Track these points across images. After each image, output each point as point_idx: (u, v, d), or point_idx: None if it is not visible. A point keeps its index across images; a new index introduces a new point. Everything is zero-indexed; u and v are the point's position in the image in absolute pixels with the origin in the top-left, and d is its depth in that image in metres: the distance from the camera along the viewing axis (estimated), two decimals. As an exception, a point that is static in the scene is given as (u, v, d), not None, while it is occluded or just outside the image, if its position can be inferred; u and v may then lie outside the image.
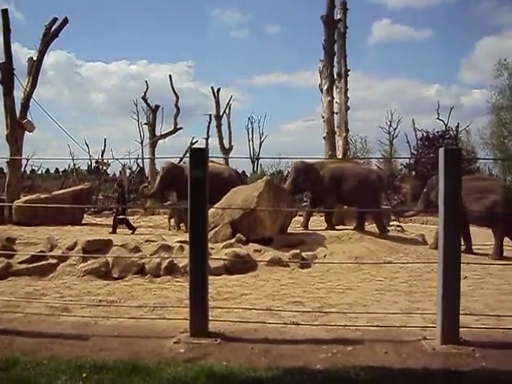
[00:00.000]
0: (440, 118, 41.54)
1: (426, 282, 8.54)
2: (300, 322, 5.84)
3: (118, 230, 14.51)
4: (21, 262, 9.42)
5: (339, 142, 17.44)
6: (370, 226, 14.42)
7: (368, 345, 4.62)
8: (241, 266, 9.74)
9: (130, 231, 14.42)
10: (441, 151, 4.74)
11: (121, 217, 15.03)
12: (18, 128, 17.63)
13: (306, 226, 14.53)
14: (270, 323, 5.71)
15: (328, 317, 6.21)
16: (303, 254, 10.65)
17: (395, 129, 46.79)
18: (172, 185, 15.92)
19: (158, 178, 16.50)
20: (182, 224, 15.40)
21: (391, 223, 16.99)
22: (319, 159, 15.17)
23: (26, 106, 18.17)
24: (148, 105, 32.12)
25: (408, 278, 9.10)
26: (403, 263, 10.22)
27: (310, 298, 7.55)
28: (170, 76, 33.09)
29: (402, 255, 11.64)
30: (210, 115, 39.10)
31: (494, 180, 14.25)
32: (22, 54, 51.84)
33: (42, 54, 18.79)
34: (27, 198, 16.89)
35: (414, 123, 42.72)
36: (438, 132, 37.80)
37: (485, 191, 12.42)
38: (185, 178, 15.27)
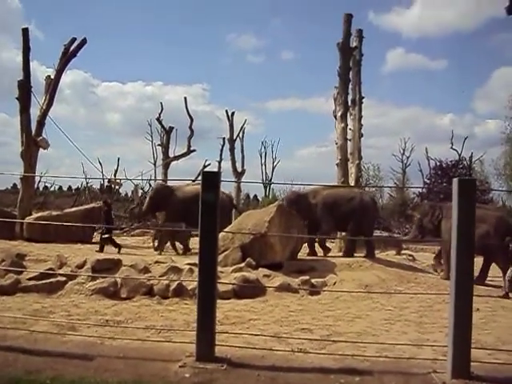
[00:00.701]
0: (454, 147, 41.36)
1: (436, 312, 8.42)
2: (308, 350, 5.75)
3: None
4: (30, 279, 9.43)
5: (352, 169, 17.43)
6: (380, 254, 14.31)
7: (377, 376, 4.53)
8: (250, 290, 9.66)
9: (116, 249, 14.40)
10: (455, 181, 4.69)
11: (106, 236, 14.99)
12: (32, 145, 17.81)
13: (313, 253, 14.48)
14: (277, 350, 5.62)
15: (336, 345, 6.12)
16: (313, 280, 10.56)
17: (408, 157, 46.60)
18: (161, 205, 15.88)
19: (147, 198, 16.46)
20: (167, 244, 15.19)
21: (403, 252, 16.84)
22: (313, 186, 15.16)
23: (41, 123, 18.39)
24: (162, 126, 32.34)
25: (418, 308, 8.97)
26: (414, 293, 10.09)
27: (318, 325, 7.46)
28: (185, 98, 33.36)
29: (412, 285, 11.49)
30: (224, 138, 39.25)
31: (487, 209, 14.50)
32: (40, 71, 52.35)
33: (59, 72, 19.07)
34: (39, 214, 16.93)
35: (427, 152, 42.57)
36: (451, 161, 37.63)
37: (478, 220, 12.31)
38: (174, 198, 15.29)
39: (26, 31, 18.49)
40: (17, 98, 18.06)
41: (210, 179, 5.02)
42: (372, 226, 15.25)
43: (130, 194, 38.09)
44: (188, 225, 14.50)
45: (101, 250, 14.23)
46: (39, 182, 37.65)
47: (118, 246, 14.64)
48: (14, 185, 43.06)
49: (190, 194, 15.49)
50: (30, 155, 17.82)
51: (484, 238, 12.02)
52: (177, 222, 14.88)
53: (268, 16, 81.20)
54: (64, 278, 9.50)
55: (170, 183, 16.95)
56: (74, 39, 18.98)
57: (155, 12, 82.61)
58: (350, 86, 17.90)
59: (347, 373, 4.60)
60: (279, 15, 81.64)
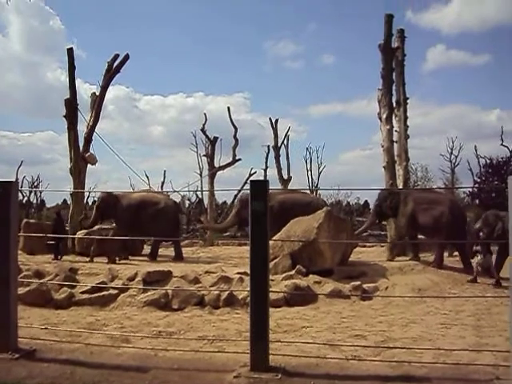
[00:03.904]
0: (504, 143, 40.23)
1: (495, 316, 8.18)
2: (362, 357, 5.66)
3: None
4: (83, 292, 9.61)
5: (399, 171, 17.13)
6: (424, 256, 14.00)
7: (435, 383, 4.40)
8: (301, 298, 9.60)
9: (53, 257, 14.59)
10: (510, 179, 4.52)
11: (51, 242, 15.11)
12: (81, 161, 18.20)
13: None
14: (331, 358, 5.54)
15: (391, 351, 6.00)
16: (364, 285, 10.42)
17: (457, 156, 45.56)
18: (108, 213, 15.86)
19: (94, 208, 16.48)
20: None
21: (455, 253, 16.46)
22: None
23: (88, 139, 18.80)
24: (207, 136, 32.50)
25: (475, 311, 8.73)
26: (469, 297, 9.83)
27: (372, 331, 7.34)
28: (229, 108, 33.44)
29: (467, 287, 11.23)
30: (268, 146, 39.23)
31: (442, 193, 14.84)
32: (83, 89, 53.68)
33: (104, 89, 19.47)
34: (95, 228, 17.25)
35: (476, 150, 41.52)
36: (502, 158, 36.64)
37: (433, 203, 13.43)
38: (119, 206, 15.27)
39: (71, 51, 18.98)
40: (64, 116, 18.51)
41: (259, 188, 4.98)
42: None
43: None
44: (135, 231, 14.42)
45: (56, 258, 14.54)
46: (88, 197, 38.46)
47: (59, 255, 14.80)
48: (64, 200, 44.14)
49: (135, 201, 15.62)
50: (78, 171, 18.22)
51: (438, 219, 13.10)
52: (125, 230, 14.83)
53: (304, 21, 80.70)
54: (116, 291, 9.65)
55: (115, 192, 16.79)
56: (116, 56, 19.35)
57: (191, 23, 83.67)
58: (394, 87, 17.64)
59: (404, 380, 4.49)
60: (315, 19, 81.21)
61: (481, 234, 12.19)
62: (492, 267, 11.83)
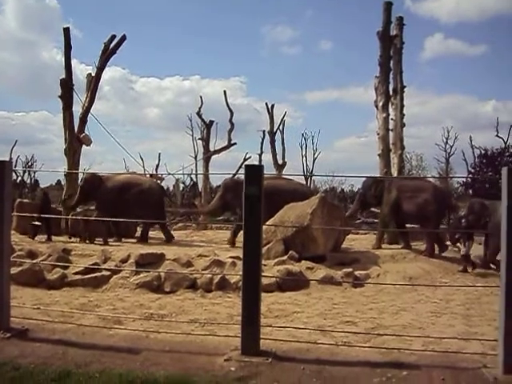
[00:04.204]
0: (499, 135, 40.29)
1: (484, 305, 8.25)
2: (353, 343, 5.71)
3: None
4: (75, 273, 9.64)
5: (394, 160, 17.14)
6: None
7: (424, 370, 4.44)
8: (293, 283, 9.65)
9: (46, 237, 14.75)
10: (504, 170, 4.53)
11: (36, 223, 15.09)
12: (76, 142, 18.14)
13: (232, 243, 14.72)
14: (322, 343, 5.59)
15: (381, 338, 6.05)
16: (356, 272, 10.48)
17: (452, 146, 45.61)
18: (91, 195, 15.75)
19: (78, 189, 16.42)
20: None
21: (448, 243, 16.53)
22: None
23: (83, 120, 18.74)
24: (203, 120, 32.36)
25: (465, 300, 8.80)
26: (460, 286, 9.90)
27: (362, 318, 7.40)
28: (225, 92, 33.30)
29: (458, 276, 11.30)
30: (264, 131, 39.15)
31: (426, 180, 15.04)
32: (79, 69, 53.48)
33: (100, 70, 19.38)
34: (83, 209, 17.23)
35: (471, 140, 41.58)
36: (497, 149, 36.73)
37: (417, 190, 13.52)
38: (103, 188, 15.27)
39: (67, 30, 18.84)
40: (59, 96, 18.42)
41: (253, 172, 4.98)
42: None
43: (171, 189, 38.42)
44: (118, 214, 14.33)
45: (33, 238, 14.67)
46: (82, 178, 38.35)
47: (34, 235, 14.91)
48: (59, 181, 44.02)
49: (118, 183, 15.58)
50: (73, 152, 18.17)
51: (423, 206, 13.20)
52: (108, 212, 14.71)
53: (302, 6, 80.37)
54: (109, 273, 9.68)
55: (100, 173, 16.75)
56: (113, 36, 19.23)
57: (189, 6, 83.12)
58: (391, 75, 17.60)
59: (394, 367, 4.53)
60: (313, 5, 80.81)
61: (463, 221, 12.41)
62: (472, 255, 12.19)
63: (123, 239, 15.03)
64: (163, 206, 16.08)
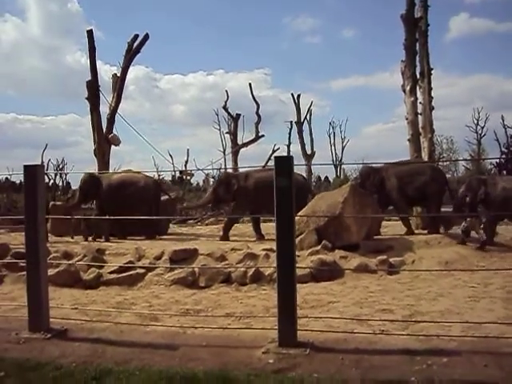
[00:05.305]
0: (532, 113, 39.38)
1: (525, 288, 8.09)
2: (390, 331, 5.65)
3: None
4: (111, 272, 9.73)
5: (424, 144, 16.89)
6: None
7: (465, 356, 4.38)
8: (327, 273, 9.60)
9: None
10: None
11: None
12: (105, 142, 18.33)
13: (225, 238, 14.39)
14: (359, 332, 5.54)
15: (419, 325, 5.97)
16: (391, 259, 10.37)
17: (483, 127, 44.82)
18: (90, 194, 15.78)
19: (78, 189, 16.41)
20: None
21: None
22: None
23: (111, 120, 18.93)
24: (229, 114, 32.46)
25: (504, 284, 8.58)
26: (498, 270, 9.72)
27: (399, 305, 7.31)
28: (250, 84, 33.40)
29: (495, 259, 11.10)
30: (291, 122, 39.03)
31: (423, 162, 15.28)
32: (103, 70, 54.02)
33: (125, 69, 19.56)
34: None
35: (503, 120, 40.78)
36: (530, 127, 35.95)
37: (415, 174, 13.80)
38: (100, 187, 15.29)
39: (90, 33, 19.03)
40: (87, 98, 18.62)
41: (283, 164, 4.95)
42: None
43: (201, 184, 38.65)
44: (117, 211, 14.22)
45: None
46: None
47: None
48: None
49: (114, 181, 15.58)
50: (102, 152, 18.38)
51: (422, 188, 13.52)
52: (107, 210, 14.87)
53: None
54: (143, 270, 9.74)
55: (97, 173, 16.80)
56: (136, 36, 19.37)
57: (210, 3, 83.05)
58: (417, 59, 17.32)
59: (434, 354, 4.48)
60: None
61: (467, 198, 12.40)
62: (478, 230, 12.16)
63: (157, 236, 15.13)
64: (159, 203, 16.08)
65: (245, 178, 14.73)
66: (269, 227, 15.28)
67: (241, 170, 16.32)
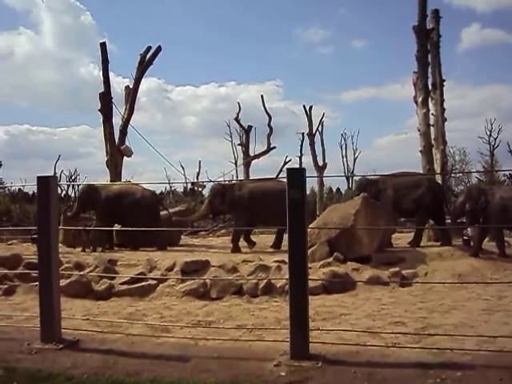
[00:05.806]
0: (545, 124, 39.13)
1: (540, 301, 7.99)
2: (403, 344, 5.60)
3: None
4: (122, 283, 9.74)
5: (437, 155, 16.82)
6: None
7: (479, 370, 4.32)
8: (339, 285, 9.56)
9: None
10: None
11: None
12: (117, 154, 18.43)
13: (236, 250, 14.05)
14: (371, 345, 5.49)
15: (432, 338, 5.91)
16: (403, 272, 10.31)
17: (496, 138, 44.50)
18: (89, 205, 15.74)
19: (77, 199, 16.40)
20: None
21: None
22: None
23: (123, 132, 19.05)
24: (241, 126, 32.50)
25: (518, 297, 8.54)
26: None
27: (412, 318, 7.25)
28: (262, 96, 33.42)
29: (509, 272, 10.98)
30: (303, 133, 39.06)
31: (420, 175, 15.24)
32: (116, 82, 54.35)
33: (137, 81, 19.69)
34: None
35: (516, 131, 40.51)
36: (544, 139, 35.69)
37: (413, 186, 13.85)
38: (99, 198, 15.26)
39: (104, 45, 19.22)
40: (99, 110, 18.75)
41: (295, 176, 4.95)
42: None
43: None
44: (115, 222, 14.45)
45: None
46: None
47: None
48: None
49: (112, 192, 15.48)
50: (115, 164, 18.48)
51: (418, 200, 13.61)
52: (105, 221, 14.70)
53: (333, 7, 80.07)
54: (155, 282, 9.74)
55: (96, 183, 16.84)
56: (149, 48, 19.52)
57: (220, 12, 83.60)
58: (429, 70, 17.30)
59: (447, 367, 4.43)
60: (345, 4, 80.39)
61: (466, 206, 12.38)
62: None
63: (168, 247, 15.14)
64: (157, 214, 16.02)
65: (238, 188, 14.71)
66: (262, 238, 15.48)
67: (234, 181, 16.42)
